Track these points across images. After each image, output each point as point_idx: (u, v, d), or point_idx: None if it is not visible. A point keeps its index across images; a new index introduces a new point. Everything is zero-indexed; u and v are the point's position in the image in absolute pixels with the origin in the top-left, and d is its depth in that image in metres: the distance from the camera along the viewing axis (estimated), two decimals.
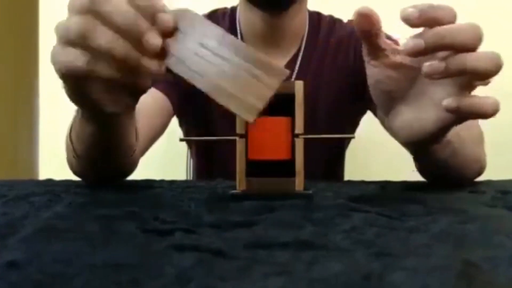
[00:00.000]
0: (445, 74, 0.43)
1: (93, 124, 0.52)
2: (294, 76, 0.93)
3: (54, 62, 0.42)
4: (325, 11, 1.00)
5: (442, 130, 0.48)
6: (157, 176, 0.69)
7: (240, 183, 0.46)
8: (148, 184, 0.61)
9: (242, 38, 0.94)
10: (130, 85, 0.43)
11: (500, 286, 0.22)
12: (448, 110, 0.44)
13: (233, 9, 0.97)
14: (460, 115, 0.45)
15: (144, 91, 0.44)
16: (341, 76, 0.93)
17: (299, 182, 0.45)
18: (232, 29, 0.94)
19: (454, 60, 0.42)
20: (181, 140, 0.52)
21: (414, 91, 0.49)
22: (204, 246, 0.28)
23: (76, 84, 0.43)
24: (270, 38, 0.92)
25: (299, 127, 0.46)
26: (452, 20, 0.43)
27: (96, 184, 0.60)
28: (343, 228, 0.33)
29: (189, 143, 1.04)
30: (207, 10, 0.99)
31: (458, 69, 0.42)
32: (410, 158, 0.83)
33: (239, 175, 0.46)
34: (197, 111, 0.95)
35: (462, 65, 0.42)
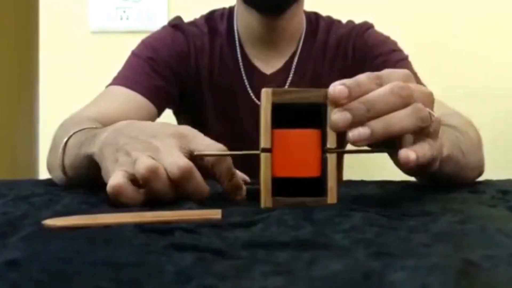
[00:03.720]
0: (372, 140, 0.40)
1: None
2: (290, 76, 0.93)
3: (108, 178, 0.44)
4: (324, 12, 1.00)
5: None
6: None
7: (266, 203, 0.41)
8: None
9: (239, 39, 0.94)
10: None
11: (500, 285, 0.22)
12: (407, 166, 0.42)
13: (231, 9, 0.97)
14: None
15: None
16: (341, 75, 0.93)
17: (332, 202, 0.41)
18: (230, 30, 0.94)
19: (378, 123, 0.40)
20: (196, 155, 0.45)
21: None
22: (204, 245, 0.28)
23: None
24: (267, 39, 0.92)
25: (331, 141, 0.41)
26: (374, 87, 0.41)
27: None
28: (342, 227, 0.33)
29: None
30: (205, 10, 0.99)
31: (384, 134, 0.40)
32: None
33: (264, 194, 0.41)
34: (190, 111, 0.95)
35: (387, 129, 0.40)
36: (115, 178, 0.43)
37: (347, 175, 1.06)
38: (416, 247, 0.28)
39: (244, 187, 0.48)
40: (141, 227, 0.32)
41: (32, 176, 1.42)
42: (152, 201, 0.43)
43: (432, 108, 0.44)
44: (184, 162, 0.43)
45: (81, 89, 1.34)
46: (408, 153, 0.41)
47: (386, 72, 0.43)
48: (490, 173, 0.69)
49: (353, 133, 0.40)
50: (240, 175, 0.47)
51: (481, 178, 0.68)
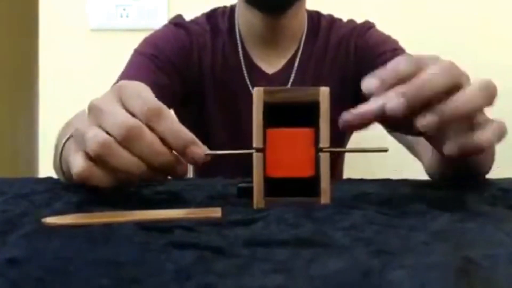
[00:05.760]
0: (443, 125, 0.39)
1: None
2: (292, 75, 0.93)
3: (71, 166, 0.42)
4: (325, 11, 1.00)
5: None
6: None
7: (258, 203, 0.40)
8: (147, 182, 0.61)
9: (241, 38, 0.94)
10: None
11: (499, 284, 0.22)
12: (451, 156, 0.41)
13: (232, 8, 0.97)
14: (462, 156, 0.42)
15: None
16: (342, 74, 0.93)
17: (325, 202, 0.41)
18: (231, 28, 0.94)
19: (446, 108, 0.39)
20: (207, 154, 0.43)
21: None
22: (204, 243, 0.28)
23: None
24: (269, 38, 0.92)
25: (324, 140, 0.40)
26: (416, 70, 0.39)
27: None
28: (342, 225, 0.33)
29: None
30: (206, 8, 0.99)
31: (453, 117, 0.39)
32: (409, 156, 0.83)
33: (256, 194, 0.40)
34: (192, 109, 0.95)
35: (455, 111, 0.39)
36: (76, 164, 0.41)
37: (347, 174, 1.06)
38: (416, 245, 0.28)
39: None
40: (141, 226, 0.32)
41: (32, 174, 1.42)
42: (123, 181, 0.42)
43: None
44: (128, 119, 0.40)
45: (81, 86, 1.34)
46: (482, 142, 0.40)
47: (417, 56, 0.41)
48: (491, 172, 0.69)
49: (420, 123, 0.38)
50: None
51: None
